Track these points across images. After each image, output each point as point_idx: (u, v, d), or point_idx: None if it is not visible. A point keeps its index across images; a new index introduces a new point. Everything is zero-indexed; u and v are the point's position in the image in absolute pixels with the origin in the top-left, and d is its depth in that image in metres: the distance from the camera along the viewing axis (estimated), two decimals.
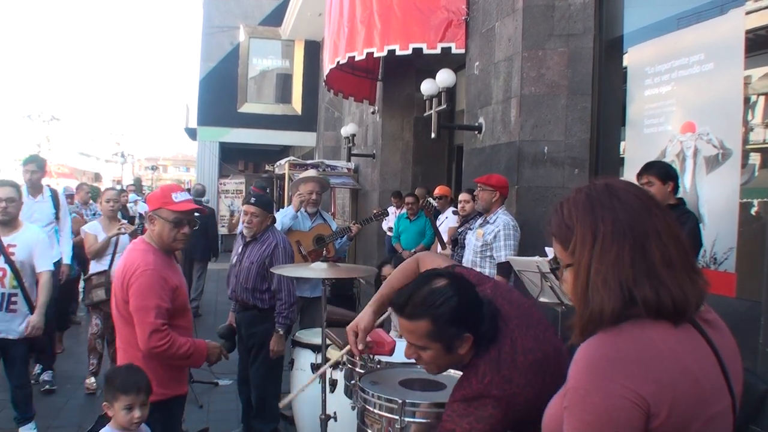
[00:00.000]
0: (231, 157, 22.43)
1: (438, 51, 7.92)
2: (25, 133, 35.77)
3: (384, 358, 2.89)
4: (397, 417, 2.25)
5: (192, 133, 21.35)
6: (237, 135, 18.93)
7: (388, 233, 10.11)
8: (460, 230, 6.40)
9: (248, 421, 5.00)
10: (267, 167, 19.41)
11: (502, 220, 5.44)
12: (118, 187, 10.89)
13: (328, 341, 3.49)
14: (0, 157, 35.53)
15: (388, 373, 2.67)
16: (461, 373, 2.07)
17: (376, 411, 2.35)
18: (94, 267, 6.36)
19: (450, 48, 7.86)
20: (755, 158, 4.90)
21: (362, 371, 2.79)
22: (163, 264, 3.40)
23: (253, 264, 4.73)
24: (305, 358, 4.53)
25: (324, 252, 6.04)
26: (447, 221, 7.89)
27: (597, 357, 1.34)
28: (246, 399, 5.03)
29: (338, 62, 9.50)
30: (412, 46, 8.03)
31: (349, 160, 13.03)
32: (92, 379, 6.23)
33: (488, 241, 5.35)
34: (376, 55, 8.51)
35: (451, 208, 7.54)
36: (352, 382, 2.67)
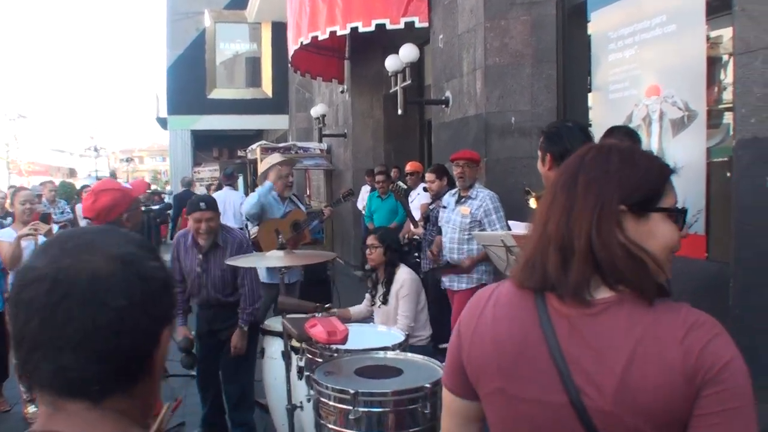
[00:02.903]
0: (205, 144, 22.16)
1: (401, 26, 7.80)
2: None
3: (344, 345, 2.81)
4: (350, 407, 2.18)
5: (163, 123, 21.06)
6: (208, 122, 18.69)
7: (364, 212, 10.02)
8: (431, 207, 6.31)
9: (213, 421, 4.88)
10: (239, 153, 19.20)
11: (486, 194, 5.31)
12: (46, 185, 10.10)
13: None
14: None
15: (345, 362, 2.60)
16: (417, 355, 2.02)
17: (330, 403, 2.27)
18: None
19: (413, 22, 7.75)
20: (728, 118, 4.84)
21: (320, 360, 2.71)
22: None
23: (225, 271, 4.49)
24: (276, 347, 4.44)
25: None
26: (419, 197, 7.79)
27: None
28: (212, 397, 4.87)
29: (302, 42, 9.34)
30: (374, 22, 7.90)
31: (320, 141, 12.88)
32: (32, 408, 5.47)
33: (478, 218, 5.23)
34: (339, 33, 8.37)
35: (423, 184, 7.44)
36: (306, 374, 2.59)
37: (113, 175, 44.32)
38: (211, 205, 4.49)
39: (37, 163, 41.09)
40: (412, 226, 6.76)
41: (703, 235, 4.67)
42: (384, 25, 7.80)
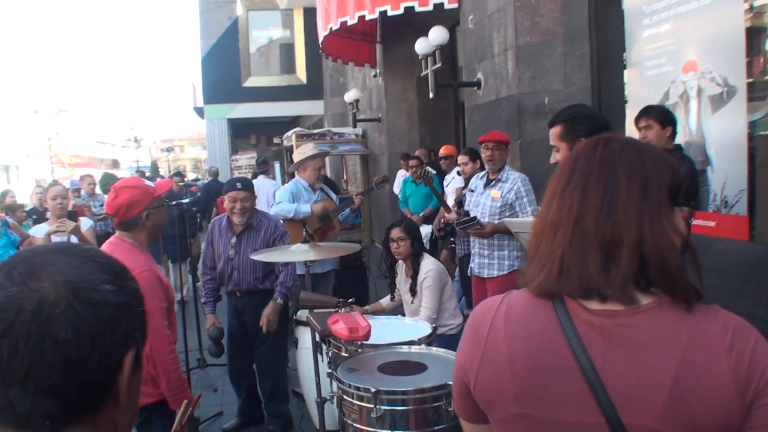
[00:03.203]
0: (242, 132, 22.30)
1: (431, 8, 7.66)
2: (34, 127, 35.94)
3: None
4: (372, 406, 2.14)
5: (200, 112, 21.23)
6: (244, 110, 18.76)
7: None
8: (464, 191, 6.22)
9: (249, 411, 4.91)
10: (275, 140, 19.25)
11: (517, 176, 5.14)
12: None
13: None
14: (12, 153, 35.74)
15: (368, 358, 2.56)
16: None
17: (352, 400, 2.24)
18: None
19: (443, 3, 7.60)
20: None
21: (346, 355, 2.67)
22: (152, 262, 3.35)
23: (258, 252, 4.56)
24: (308, 337, 4.43)
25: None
26: (454, 182, 7.70)
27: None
28: (247, 389, 4.91)
29: (331, 28, 9.26)
30: (403, 5, 7.78)
31: (355, 126, 12.83)
32: None
33: (509, 201, 5.08)
34: (368, 17, 8.27)
35: (457, 168, 7.35)
36: (329, 371, 2.55)
37: (154, 165, 45.01)
38: (247, 185, 4.68)
39: (79, 155, 41.84)
40: (445, 212, 6.67)
41: (746, 215, 4.51)
42: (413, 7, 7.68)
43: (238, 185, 4.62)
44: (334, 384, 2.35)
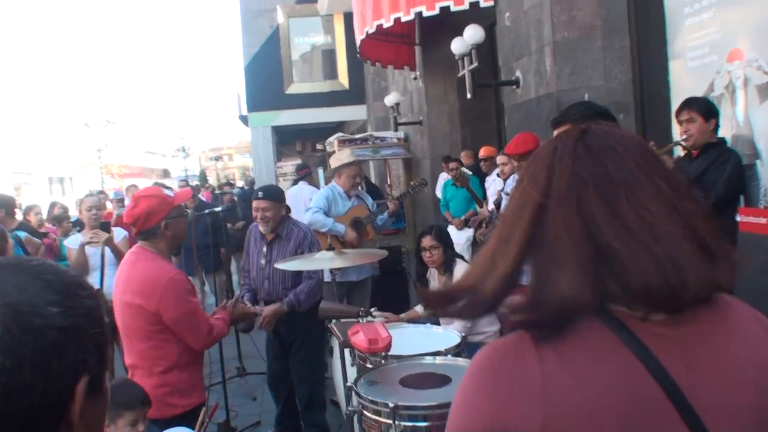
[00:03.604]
0: (287, 139, 22.39)
1: (466, 6, 7.53)
2: (85, 140, 36.91)
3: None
4: (390, 421, 2.04)
5: (245, 120, 21.39)
6: (288, 117, 18.82)
7: None
8: (502, 193, 6.09)
9: (287, 421, 4.87)
10: (317, 146, 19.28)
11: None
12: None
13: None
14: (65, 165, 36.76)
15: (391, 370, 2.46)
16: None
17: (370, 416, 2.14)
18: None
19: (478, 2, 7.46)
20: None
21: (370, 366, 2.57)
22: (176, 268, 3.40)
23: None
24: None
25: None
26: (495, 183, 7.55)
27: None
28: (285, 397, 4.87)
29: (367, 32, 9.20)
30: (438, 5, 7.65)
31: (396, 130, 12.75)
32: None
33: None
34: (403, 19, 8.17)
35: (497, 170, 7.21)
36: (348, 385, 2.46)
37: (203, 173, 45.67)
38: (269, 194, 4.65)
39: (129, 166, 42.71)
40: (478, 208, 6.53)
41: None
42: (448, 7, 7.55)
43: (260, 194, 4.63)
44: (354, 398, 2.26)
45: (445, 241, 4.41)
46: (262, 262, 4.71)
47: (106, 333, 0.94)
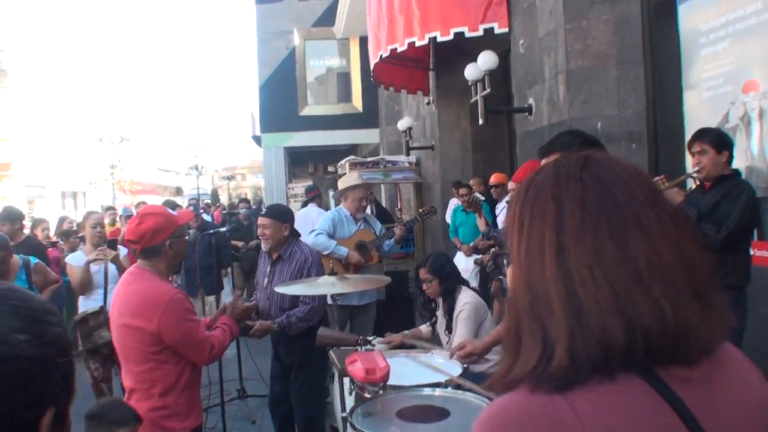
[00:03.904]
0: (300, 160, 22.45)
1: (480, 32, 7.53)
2: (99, 155, 37.18)
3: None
4: None
5: (258, 141, 21.48)
6: (301, 139, 18.88)
7: None
8: None
9: None
10: (329, 168, 19.29)
11: None
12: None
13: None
14: (78, 180, 37.01)
15: (389, 401, 2.37)
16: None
17: None
18: (83, 305, 5.53)
19: (492, 28, 7.46)
20: None
21: (368, 396, 2.49)
22: (176, 288, 3.35)
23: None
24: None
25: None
26: (504, 212, 7.48)
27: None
28: (282, 420, 4.81)
29: (381, 56, 9.21)
30: (453, 30, 7.67)
31: (408, 154, 12.73)
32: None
33: None
34: (417, 44, 8.18)
35: (507, 198, 7.15)
36: (343, 415, 2.38)
37: (215, 192, 45.80)
38: (270, 212, 4.71)
39: (141, 182, 42.92)
40: (481, 225, 6.48)
41: None
42: (463, 33, 7.56)
43: (264, 211, 4.75)
44: (349, 429, 2.19)
45: (440, 273, 4.30)
46: (265, 281, 4.70)
47: (74, 363, 0.88)
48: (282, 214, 4.70)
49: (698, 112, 5.25)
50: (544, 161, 2.87)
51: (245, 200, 17.00)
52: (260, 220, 4.67)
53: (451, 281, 4.34)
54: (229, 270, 10.00)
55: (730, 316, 1.00)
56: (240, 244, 10.54)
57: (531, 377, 0.94)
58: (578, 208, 0.97)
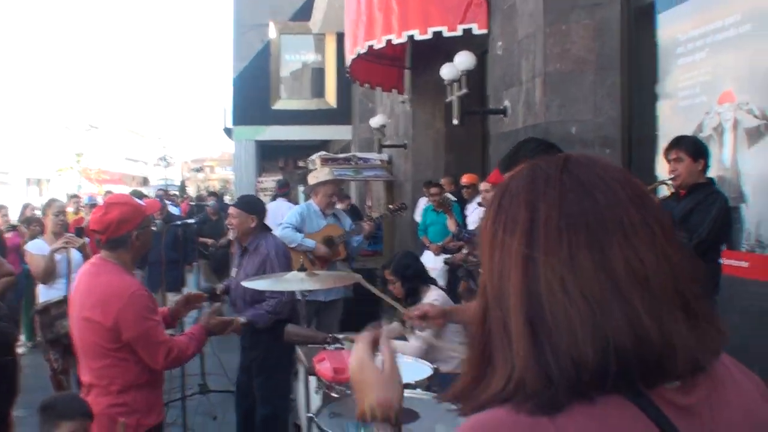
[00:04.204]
0: (270, 154, 22.27)
1: (459, 33, 7.49)
2: (66, 143, 36.52)
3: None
4: None
5: (230, 133, 21.29)
6: (273, 132, 18.74)
7: None
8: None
9: None
10: (299, 163, 19.18)
11: None
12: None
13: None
14: (44, 167, 36.36)
15: (356, 402, 2.30)
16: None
17: None
18: (45, 294, 5.41)
19: (471, 29, 7.43)
20: None
21: (336, 396, 2.42)
22: (140, 282, 3.23)
23: (248, 276, 4.40)
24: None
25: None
26: (476, 212, 7.47)
27: None
28: (244, 412, 4.75)
29: (358, 52, 9.13)
30: (431, 30, 7.62)
31: (380, 152, 12.68)
32: None
33: None
34: (395, 42, 8.12)
35: (478, 198, 7.13)
36: (309, 415, 2.31)
37: (182, 184, 45.32)
38: (239, 203, 4.77)
39: (108, 171, 42.26)
40: (452, 225, 6.45)
41: None
42: (441, 32, 7.52)
43: (235, 202, 4.82)
44: (315, 430, 2.12)
45: (403, 274, 4.29)
46: (234, 271, 4.76)
47: (18, 362, 0.80)
48: (250, 205, 4.68)
49: (672, 120, 5.27)
50: (506, 175, 2.81)
51: (214, 193, 16.78)
52: (231, 210, 4.69)
53: (415, 282, 4.31)
54: (195, 266, 9.81)
55: (724, 329, 0.94)
56: (210, 241, 10.28)
57: (505, 398, 0.88)
58: (555, 213, 0.91)
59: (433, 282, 4.54)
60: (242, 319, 4.36)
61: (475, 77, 7.36)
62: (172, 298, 7.88)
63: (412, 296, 4.26)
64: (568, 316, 0.86)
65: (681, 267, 0.91)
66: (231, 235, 4.68)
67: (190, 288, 10.21)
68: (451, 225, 6.30)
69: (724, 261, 4.22)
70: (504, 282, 0.92)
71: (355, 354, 1.26)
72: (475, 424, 0.88)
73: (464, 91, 7.11)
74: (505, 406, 0.87)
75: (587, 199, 0.91)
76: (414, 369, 2.90)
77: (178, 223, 5.75)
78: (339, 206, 6.54)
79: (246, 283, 3.50)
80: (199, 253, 9.76)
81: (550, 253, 0.88)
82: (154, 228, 3.34)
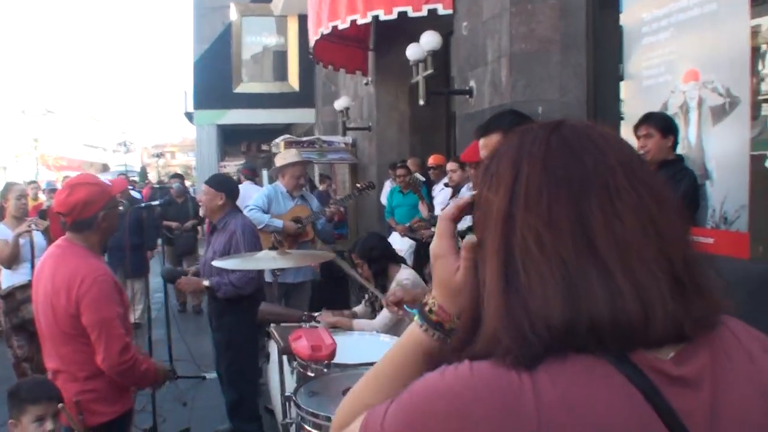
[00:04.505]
0: (233, 139, 22.02)
1: (425, 13, 7.45)
2: (21, 128, 35.62)
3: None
4: None
5: (191, 118, 20.97)
6: (234, 116, 18.49)
7: None
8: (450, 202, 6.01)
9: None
10: (263, 147, 19.00)
11: None
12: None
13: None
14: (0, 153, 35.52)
15: (334, 380, 2.29)
16: None
17: (310, 429, 1.98)
18: (9, 279, 5.32)
19: (436, 9, 7.39)
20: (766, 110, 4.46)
21: (312, 375, 2.40)
22: (107, 268, 3.13)
23: (216, 254, 4.39)
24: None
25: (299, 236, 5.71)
26: (442, 193, 7.48)
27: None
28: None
29: (322, 33, 9.04)
30: (396, 10, 7.56)
31: (344, 135, 12.61)
32: None
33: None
34: (359, 22, 8.04)
35: (445, 179, 7.14)
36: (287, 395, 2.28)
37: (143, 170, 44.61)
38: (210, 180, 4.79)
39: (66, 157, 41.38)
40: (424, 210, 6.46)
41: (746, 232, 4.29)
42: (406, 12, 7.46)
43: (208, 179, 4.78)
44: (293, 409, 2.09)
45: (368, 256, 4.31)
46: (206, 248, 4.82)
47: None
48: (219, 184, 4.73)
49: (637, 99, 5.31)
50: (482, 141, 2.80)
51: (178, 175, 16.46)
52: (203, 187, 4.74)
53: (382, 262, 4.32)
54: (158, 252, 9.59)
55: (722, 299, 0.92)
56: (174, 224, 10.03)
57: (487, 354, 0.87)
58: (538, 170, 0.90)
59: (403, 261, 4.55)
60: (206, 282, 4.37)
61: (440, 58, 7.35)
62: (139, 288, 7.75)
63: (381, 276, 4.27)
64: (540, 272, 0.85)
65: (671, 234, 0.90)
66: (201, 212, 4.69)
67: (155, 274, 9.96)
68: (424, 210, 6.30)
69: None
70: (486, 240, 0.93)
71: (438, 232, 1.10)
72: (456, 374, 0.87)
73: (430, 71, 7.09)
74: (489, 360, 0.86)
75: (574, 160, 0.90)
76: (391, 345, 2.88)
77: (142, 205, 5.62)
78: (321, 187, 6.54)
79: (217, 263, 3.45)
80: (165, 237, 9.51)
81: (529, 209, 0.88)
82: (121, 208, 3.24)
